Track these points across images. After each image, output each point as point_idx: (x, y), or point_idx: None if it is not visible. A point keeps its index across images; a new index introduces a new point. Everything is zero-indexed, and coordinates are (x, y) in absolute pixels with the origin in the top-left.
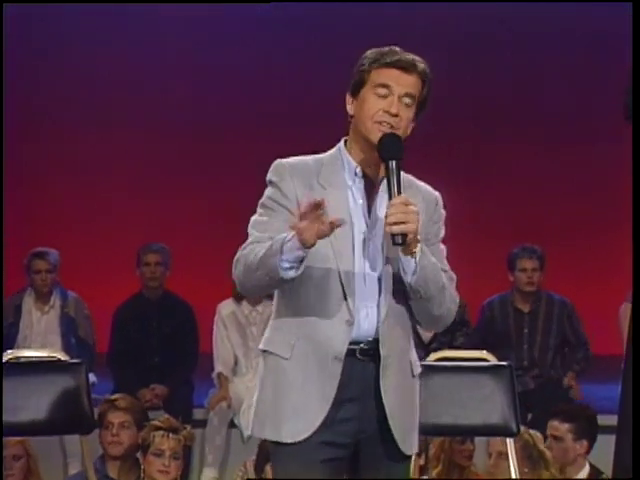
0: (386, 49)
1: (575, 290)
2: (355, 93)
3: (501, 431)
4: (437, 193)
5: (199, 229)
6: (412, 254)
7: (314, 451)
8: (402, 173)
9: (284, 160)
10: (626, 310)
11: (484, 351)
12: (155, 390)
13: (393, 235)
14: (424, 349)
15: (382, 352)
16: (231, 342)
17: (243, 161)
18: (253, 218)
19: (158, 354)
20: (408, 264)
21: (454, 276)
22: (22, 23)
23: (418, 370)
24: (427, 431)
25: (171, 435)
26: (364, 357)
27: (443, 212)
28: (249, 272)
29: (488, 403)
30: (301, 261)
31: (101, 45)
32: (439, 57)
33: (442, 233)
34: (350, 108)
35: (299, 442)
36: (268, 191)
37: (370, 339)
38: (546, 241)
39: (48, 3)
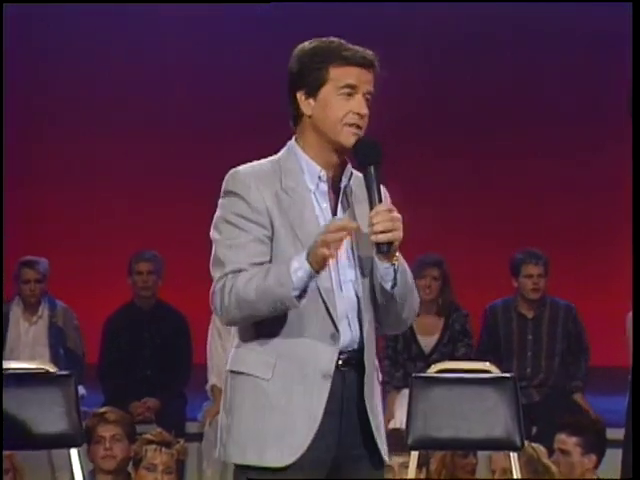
0: (333, 42)
1: (578, 298)
2: (312, 92)
3: (505, 445)
4: (384, 189)
5: (193, 237)
6: (393, 261)
7: (301, 473)
8: (353, 172)
9: (242, 168)
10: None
11: (487, 362)
12: (147, 403)
13: (379, 244)
14: (424, 360)
15: (365, 361)
16: (226, 353)
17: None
18: (217, 237)
19: (150, 366)
20: (387, 272)
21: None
22: (22, 23)
23: (380, 376)
24: (428, 445)
25: (164, 449)
26: (346, 367)
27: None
28: (245, 304)
29: (491, 416)
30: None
31: (101, 45)
32: (440, 58)
33: None
34: (307, 108)
35: (286, 466)
36: (230, 205)
37: (351, 349)
38: (548, 246)
39: (48, 3)
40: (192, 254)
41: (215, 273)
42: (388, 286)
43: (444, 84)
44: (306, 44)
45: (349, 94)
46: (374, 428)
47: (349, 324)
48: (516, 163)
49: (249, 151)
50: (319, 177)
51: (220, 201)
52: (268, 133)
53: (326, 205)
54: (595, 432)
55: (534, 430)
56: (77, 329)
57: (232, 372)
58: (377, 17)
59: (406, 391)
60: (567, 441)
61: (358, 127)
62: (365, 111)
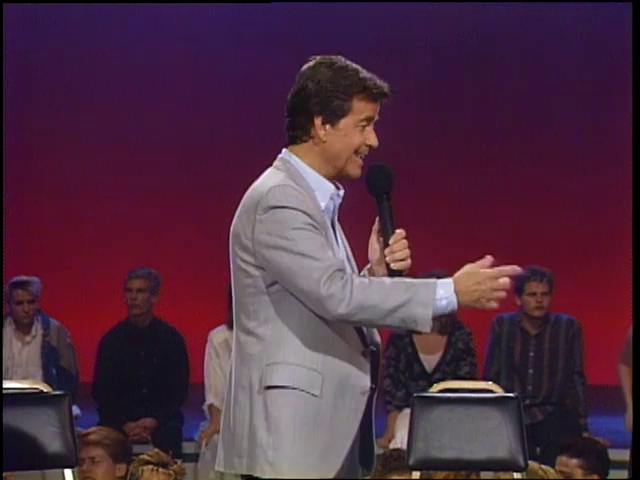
0: (355, 71)
1: (581, 314)
2: (333, 120)
3: (508, 466)
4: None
5: (192, 256)
6: None
7: None
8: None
9: (286, 183)
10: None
11: (490, 382)
12: (143, 423)
13: (394, 270)
14: (427, 379)
15: (377, 381)
16: (223, 372)
17: (240, 182)
18: (292, 240)
19: (146, 385)
20: None
21: None
22: (22, 23)
23: None
24: (430, 465)
25: (161, 470)
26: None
27: None
28: (373, 311)
29: (494, 436)
30: None
31: (101, 46)
32: (445, 74)
33: None
34: (324, 134)
35: None
36: (293, 217)
37: (370, 367)
38: (552, 262)
39: (48, 3)
40: (190, 272)
41: (313, 271)
42: None
43: (446, 100)
44: (323, 65)
45: (363, 126)
46: (374, 439)
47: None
48: (519, 179)
49: (248, 169)
50: (331, 196)
51: (269, 215)
52: (267, 150)
53: (329, 223)
54: (597, 453)
55: (538, 451)
56: (71, 347)
57: (277, 387)
58: (377, 17)
59: (407, 411)
60: (569, 463)
61: (364, 158)
62: (377, 144)
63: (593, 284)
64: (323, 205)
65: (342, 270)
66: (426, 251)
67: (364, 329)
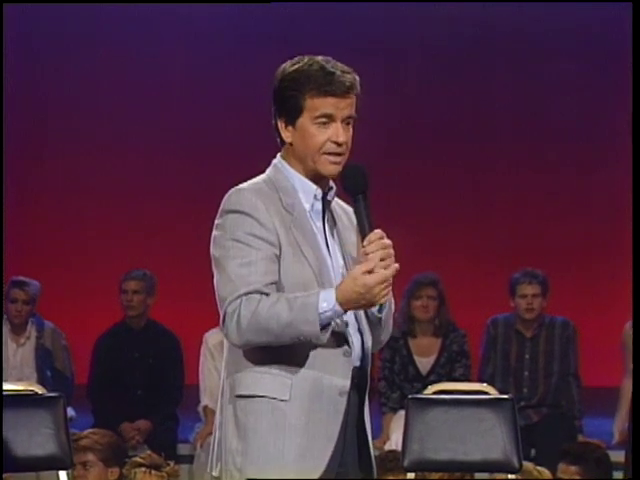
0: (311, 67)
1: (578, 317)
2: (291, 121)
3: (502, 467)
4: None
5: (187, 257)
6: None
7: None
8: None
9: (244, 187)
10: (630, 329)
11: (484, 384)
12: (138, 425)
13: None
14: (421, 381)
15: (368, 381)
16: (218, 373)
17: (238, 184)
18: (225, 255)
19: (141, 386)
20: None
21: None
22: (22, 23)
23: None
24: (425, 467)
25: (154, 472)
26: (353, 388)
27: None
28: (265, 333)
29: (489, 438)
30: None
31: (101, 46)
32: (439, 73)
33: None
34: (287, 136)
35: None
36: (239, 223)
37: (357, 369)
38: (548, 265)
39: (48, 3)
40: (186, 274)
41: (225, 293)
42: (376, 310)
43: (444, 101)
44: (287, 65)
45: (325, 123)
46: (371, 447)
47: (354, 342)
48: (515, 180)
49: (246, 170)
50: (314, 196)
51: (222, 220)
52: (265, 152)
53: (320, 224)
54: (595, 459)
55: (533, 452)
56: (66, 349)
57: (244, 396)
58: (378, 17)
59: (402, 413)
60: (568, 470)
61: (337, 155)
62: (343, 139)
63: (588, 286)
64: (308, 207)
65: (250, 293)
66: (422, 253)
67: (344, 329)
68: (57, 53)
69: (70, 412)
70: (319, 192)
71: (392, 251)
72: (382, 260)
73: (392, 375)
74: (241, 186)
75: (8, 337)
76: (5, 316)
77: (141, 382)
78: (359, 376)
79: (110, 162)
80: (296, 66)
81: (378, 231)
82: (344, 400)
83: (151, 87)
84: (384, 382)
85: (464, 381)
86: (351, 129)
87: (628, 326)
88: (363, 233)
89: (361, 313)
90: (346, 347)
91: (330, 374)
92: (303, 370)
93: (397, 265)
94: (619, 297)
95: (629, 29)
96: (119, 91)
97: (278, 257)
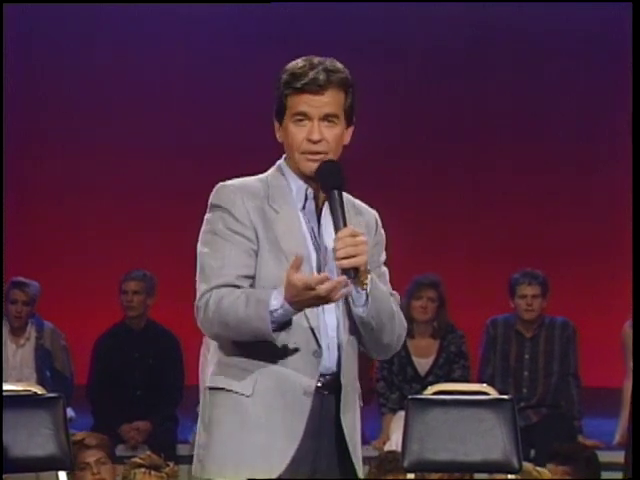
0: (299, 65)
1: (577, 317)
2: (280, 121)
3: (502, 467)
4: (375, 212)
5: (187, 257)
6: (363, 286)
7: None
8: (343, 194)
9: (228, 182)
10: (630, 328)
11: (484, 384)
12: (137, 426)
13: (344, 270)
14: (420, 382)
15: (343, 383)
16: None
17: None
18: (204, 250)
19: (141, 387)
20: (358, 297)
21: (398, 297)
22: (22, 23)
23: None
24: (425, 467)
25: (153, 473)
26: (325, 390)
27: (383, 232)
28: (226, 327)
29: (488, 438)
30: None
31: (101, 46)
32: (439, 74)
33: (384, 255)
34: (279, 136)
35: None
36: (217, 218)
37: (330, 370)
38: (548, 265)
39: (48, 3)
40: (185, 274)
41: (200, 286)
42: (359, 311)
43: (444, 100)
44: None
45: (301, 121)
46: (351, 450)
47: (328, 345)
48: (515, 180)
49: (246, 170)
50: (306, 195)
51: (207, 215)
52: (265, 153)
53: (314, 224)
54: (585, 459)
55: (532, 453)
56: (65, 350)
57: (211, 389)
58: (378, 18)
59: (402, 413)
60: (556, 470)
61: (315, 153)
62: (317, 137)
63: (588, 286)
64: (300, 206)
65: (220, 286)
66: (421, 253)
67: (315, 330)
68: (57, 53)
69: (70, 413)
70: (310, 191)
71: (362, 247)
72: (351, 257)
73: (391, 376)
74: (227, 182)
75: (8, 338)
76: (5, 317)
77: (141, 382)
78: (332, 379)
79: (110, 162)
80: (287, 66)
81: (348, 228)
82: (309, 401)
83: (151, 87)
84: (383, 383)
85: (463, 382)
86: (338, 127)
87: (627, 325)
88: (337, 229)
89: (342, 313)
90: (316, 347)
91: (297, 373)
92: (270, 366)
93: (363, 258)
94: (619, 297)
95: (629, 29)
96: (119, 91)
97: (256, 252)
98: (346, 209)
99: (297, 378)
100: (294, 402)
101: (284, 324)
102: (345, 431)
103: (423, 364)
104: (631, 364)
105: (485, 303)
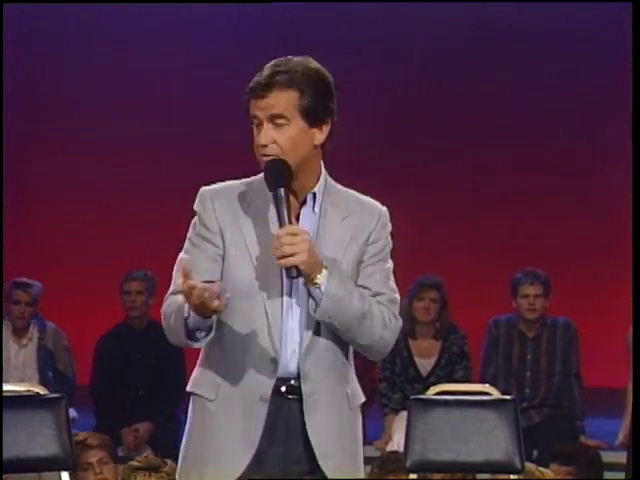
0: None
1: (579, 318)
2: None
3: (505, 468)
4: (384, 209)
5: None
6: (314, 285)
7: None
8: (344, 188)
9: (209, 187)
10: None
11: (487, 384)
12: (137, 429)
13: (287, 269)
14: (422, 383)
15: (304, 390)
16: None
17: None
18: (180, 255)
19: (143, 387)
20: (315, 294)
21: (396, 297)
22: (22, 23)
23: (359, 401)
24: (427, 467)
25: (153, 474)
26: (291, 396)
27: (388, 229)
28: (169, 333)
29: (491, 438)
30: (211, 326)
31: (101, 46)
32: (439, 73)
33: (386, 250)
34: None
35: None
36: (193, 224)
37: (294, 375)
38: (550, 265)
39: (48, 3)
40: None
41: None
42: (311, 311)
43: (444, 101)
44: None
45: (258, 125)
46: (318, 456)
47: (294, 350)
48: (515, 181)
49: (246, 170)
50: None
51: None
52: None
53: (269, 227)
54: (588, 460)
55: (535, 453)
56: (67, 350)
57: (189, 393)
58: (378, 18)
59: (404, 413)
60: (559, 471)
61: (267, 157)
62: (262, 141)
63: (589, 286)
64: (274, 209)
65: (175, 293)
66: (423, 253)
67: (274, 337)
68: (57, 53)
69: (72, 413)
70: (280, 194)
71: (301, 245)
72: (289, 256)
73: (393, 376)
74: (207, 186)
75: (10, 338)
76: (6, 317)
77: (143, 383)
78: (294, 385)
79: (110, 162)
80: None
81: (288, 226)
82: (265, 407)
83: (151, 87)
84: (385, 383)
85: (465, 382)
86: (291, 127)
87: (632, 329)
88: (280, 227)
89: (305, 318)
90: (273, 354)
91: (253, 380)
92: (233, 371)
93: (302, 257)
94: (620, 297)
95: (629, 29)
96: (119, 91)
97: (222, 257)
98: (331, 210)
99: (255, 383)
100: (251, 408)
101: (208, 328)
102: (312, 439)
103: (425, 365)
104: None
105: (487, 303)
